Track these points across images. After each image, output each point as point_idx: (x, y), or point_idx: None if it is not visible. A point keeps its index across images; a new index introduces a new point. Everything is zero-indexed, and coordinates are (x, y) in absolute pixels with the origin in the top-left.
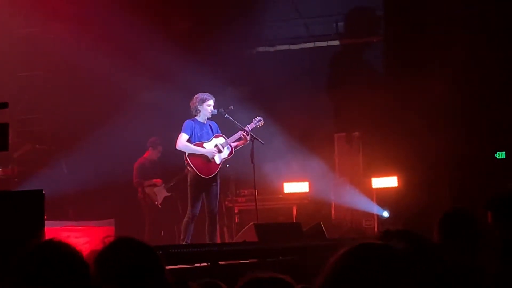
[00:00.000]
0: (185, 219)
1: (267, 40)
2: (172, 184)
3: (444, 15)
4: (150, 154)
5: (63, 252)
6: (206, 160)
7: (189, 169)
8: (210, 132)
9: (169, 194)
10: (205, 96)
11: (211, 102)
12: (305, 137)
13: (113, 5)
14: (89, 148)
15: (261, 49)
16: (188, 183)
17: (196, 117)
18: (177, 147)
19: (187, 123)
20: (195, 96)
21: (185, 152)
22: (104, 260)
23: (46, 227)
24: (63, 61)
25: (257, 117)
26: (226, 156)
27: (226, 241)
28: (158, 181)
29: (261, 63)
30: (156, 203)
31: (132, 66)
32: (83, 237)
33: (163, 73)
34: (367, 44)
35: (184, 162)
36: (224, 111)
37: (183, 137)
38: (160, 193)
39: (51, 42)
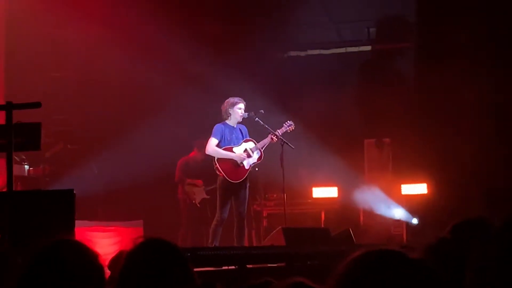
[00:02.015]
0: (214, 222)
1: (298, 44)
2: (212, 187)
3: (476, 23)
4: (195, 155)
5: (77, 253)
6: (235, 164)
7: (218, 173)
8: (240, 136)
9: (208, 196)
10: (236, 100)
11: (241, 105)
12: (334, 142)
13: (145, 8)
14: (119, 149)
15: (292, 53)
16: (217, 187)
17: (227, 121)
18: (206, 152)
19: (217, 127)
20: (226, 100)
21: (214, 157)
22: (134, 260)
23: (76, 227)
24: (95, 63)
25: (288, 121)
26: (255, 160)
27: (254, 244)
28: (199, 181)
29: (292, 67)
30: (194, 201)
31: (162, 68)
32: (112, 237)
33: (194, 76)
34: (399, 50)
35: (213, 166)
36: (255, 114)
37: (212, 142)
38: (199, 193)
39: (83, 43)
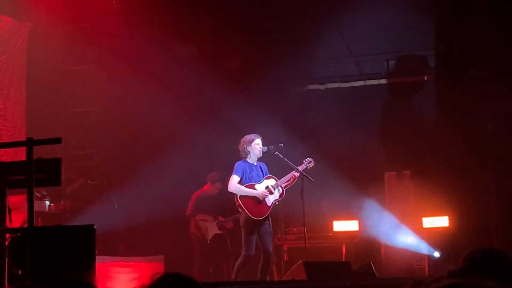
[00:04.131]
0: (240, 260)
1: (317, 78)
2: (225, 223)
3: (496, 55)
4: (208, 189)
5: None
6: (257, 201)
7: (241, 211)
8: (261, 173)
9: (220, 232)
10: (252, 137)
11: (258, 140)
12: (355, 175)
13: (164, 43)
14: (139, 184)
15: (311, 87)
16: (241, 225)
17: (247, 159)
18: (229, 189)
19: (239, 164)
20: (242, 139)
21: (236, 194)
22: None
23: (96, 262)
24: (115, 98)
25: (307, 158)
26: (277, 197)
27: (275, 279)
28: (209, 217)
29: (311, 101)
30: (205, 237)
31: (182, 103)
32: (132, 273)
33: (213, 110)
34: (418, 83)
35: (235, 204)
36: (274, 148)
37: (234, 179)
38: (211, 229)
39: (104, 79)
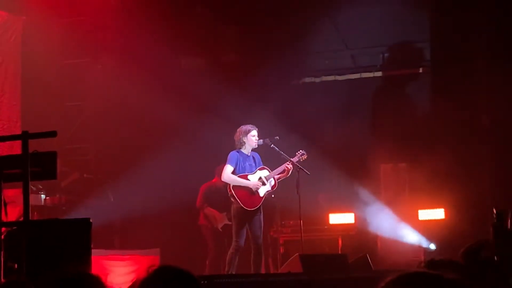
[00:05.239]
0: (230, 250)
1: (313, 70)
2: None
3: (491, 47)
4: (217, 181)
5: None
6: (250, 192)
7: (233, 201)
8: (253, 164)
9: (230, 223)
10: (248, 128)
11: (254, 132)
12: (350, 168)
13: (161, 37)
14: (135, 178)
15: (307, 79)
16: (232, 215)
17: (241, 149)
18: (222, 179)
19: (232, 154)
20: (238, 129)
21: (229, 184)
22: None
23: (92, 256)
24: (111, 91)
25: (300, 150)
26: (270, 189)
27: (271, 271)
28: (217, 213)
29: (307, 93)
30: (215, 226)
31: (178, 97)
32: (129, 266)
33: (209, 103)
34: (413, 75)
35: (228, 193)
36: (270, 141)
37: (228, 169)
38: (221, 219)
39: (99, 72)
